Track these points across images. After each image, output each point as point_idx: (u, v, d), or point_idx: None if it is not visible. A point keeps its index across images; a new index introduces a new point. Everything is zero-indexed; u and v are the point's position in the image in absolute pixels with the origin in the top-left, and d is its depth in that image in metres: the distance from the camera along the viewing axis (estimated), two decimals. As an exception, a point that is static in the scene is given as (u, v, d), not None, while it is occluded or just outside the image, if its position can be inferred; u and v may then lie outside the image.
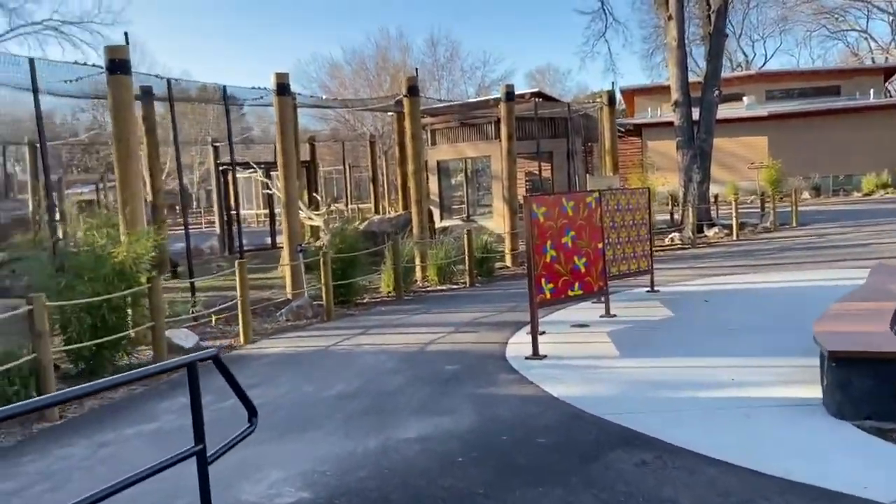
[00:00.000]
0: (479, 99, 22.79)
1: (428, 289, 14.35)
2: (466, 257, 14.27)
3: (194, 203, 50.18)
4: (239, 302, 9.97)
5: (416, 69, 17.58)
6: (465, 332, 9.61)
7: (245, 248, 24.63)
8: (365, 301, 13.12)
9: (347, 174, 36.04)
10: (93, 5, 58.48)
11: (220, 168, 24.04)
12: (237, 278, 10.02)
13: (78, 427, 6.52)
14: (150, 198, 18.22)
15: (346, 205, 28.56)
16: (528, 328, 8.69)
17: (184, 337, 9.75)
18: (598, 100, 20.51)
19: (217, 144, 24.63)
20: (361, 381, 7.36)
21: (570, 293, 9.17)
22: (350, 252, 12.88)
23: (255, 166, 22.56)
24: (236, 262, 10.10)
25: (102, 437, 6.09)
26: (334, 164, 37.94)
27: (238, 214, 39.29)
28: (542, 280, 8.52)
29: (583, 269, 9.27)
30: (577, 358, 7.81)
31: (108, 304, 7.88)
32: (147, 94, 16.98)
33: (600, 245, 9.65)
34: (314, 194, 23.23)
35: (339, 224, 15.07)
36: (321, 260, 11.38)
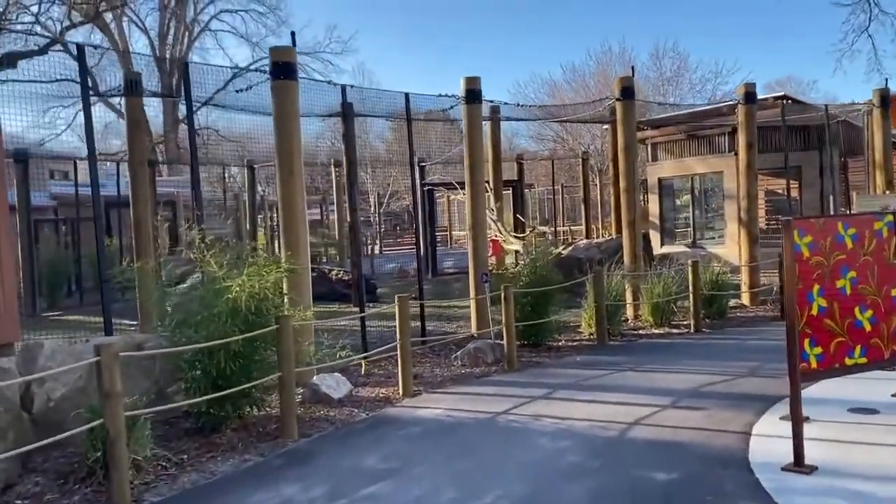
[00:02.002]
0: (709, 106, 19.46)
1: (640, 331, 11.57)
2: (691, 294, 11.33)
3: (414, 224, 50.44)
4: (398, 347, 8.04)
5: (633, 67, 14.88)
6: (686, 407, 6.85)
7: (448, 270, 23.30)
8: (559, 344, 10.68)
9: (561, 194, 33.69)
10: (324, 36, 61.57)
11: (425, 188, 22.84)
12: (397, 317, 8.10)
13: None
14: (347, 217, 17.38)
15: (555, 227, 26.18)
16: (781, 409, 5.85)
17: (335, 385, 8.00)
18: (868, 102, 16.32)
19: (423, 164, 23.48)
20: (525, 487, 4.99)
21: (848, 361, 6.09)
22: (543, 285, 10.53)
23: (456, 185, 21.07)
24: (396, 298, 8.19)
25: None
26: (550, 185, 35.75)
27: (451, 235, 38.56)
28: (806, 341, 5.63)
29: (868, 327, 6.15)
30: (870, 477, 4.83)
31: (226, 349, 6.26)
32: (350, 108, 16.00)
33: (895, 291, 6.46)
34: (517, 216, 21.26)
35: (540, 249, 12.83)
36: (502, 295, 9.16)
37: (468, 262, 11.68)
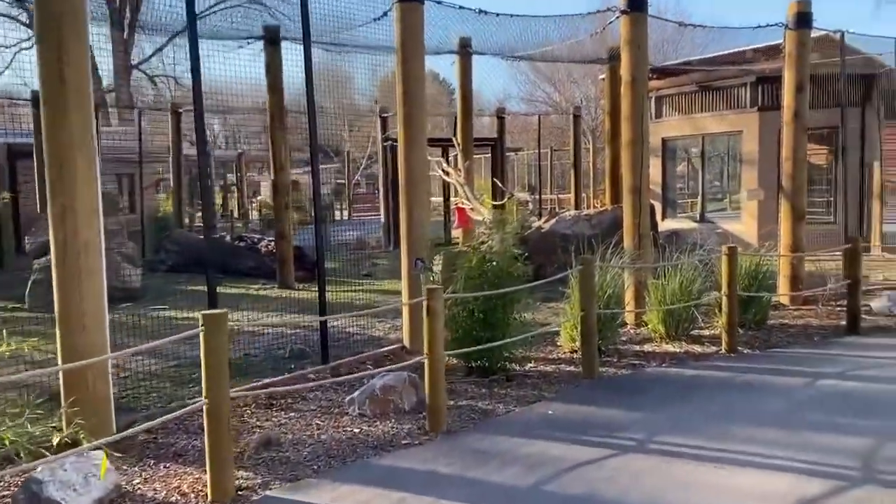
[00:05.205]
0: (732, 49, 15.39)
1: (645, 347, 7.66)
2: (724, 297, 7.41)
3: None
4: (204, 408, 4.10)
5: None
6: None
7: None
8: (524, 369, 6.78)
9: (549, 159, 29.42)
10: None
11: (386, 143, 18.67)
12: (202, 352, 4.13)
13: None
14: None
15: (539, 196, 22.09)
16: None
17: (81, 481, 4.02)
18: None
19: (386, 115, 19.32)
20: None
21: None
22: (504, 278, 6.59)
23: (438, 142, 16.96)
24: (200, 316, 4.21)
25: None
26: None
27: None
28: None
29: None
30: None
31: None
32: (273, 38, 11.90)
33: None
34: (495, 180, 17.23)
35: (511, 222, 8.84)
36: (424, 304, 5.19)
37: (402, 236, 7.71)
